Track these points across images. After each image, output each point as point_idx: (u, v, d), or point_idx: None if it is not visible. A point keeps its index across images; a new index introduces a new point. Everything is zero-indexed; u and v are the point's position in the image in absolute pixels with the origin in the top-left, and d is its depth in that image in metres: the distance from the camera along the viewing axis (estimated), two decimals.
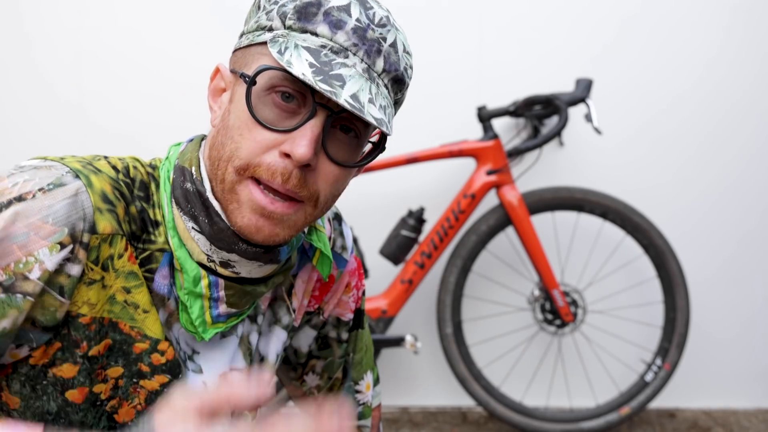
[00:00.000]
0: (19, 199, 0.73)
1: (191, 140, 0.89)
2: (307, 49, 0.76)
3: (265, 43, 0.79)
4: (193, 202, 0.82)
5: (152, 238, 0.83)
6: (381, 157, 2.30)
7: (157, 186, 0.85)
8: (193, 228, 0.82)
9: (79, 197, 0.75)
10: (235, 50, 0.84)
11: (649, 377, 2.37)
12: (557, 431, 2.35)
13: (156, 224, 0.83)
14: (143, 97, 2.45)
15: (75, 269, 0.75)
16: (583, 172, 2.52)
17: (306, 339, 1.06)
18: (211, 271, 0.84)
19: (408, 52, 0.83)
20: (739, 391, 2.64)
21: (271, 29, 0.79)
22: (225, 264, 0.83)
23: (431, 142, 2.41)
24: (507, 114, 2.31)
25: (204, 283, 0.83)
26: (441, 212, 2.45)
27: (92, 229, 0.76)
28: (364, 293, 1.09)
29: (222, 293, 0.84)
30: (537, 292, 2.39)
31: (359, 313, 1.08)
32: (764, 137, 2.56)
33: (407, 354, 2.56)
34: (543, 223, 2.50)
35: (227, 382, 0.58)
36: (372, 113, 0.76)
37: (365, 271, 2.32)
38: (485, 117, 2.31)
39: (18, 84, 2.44)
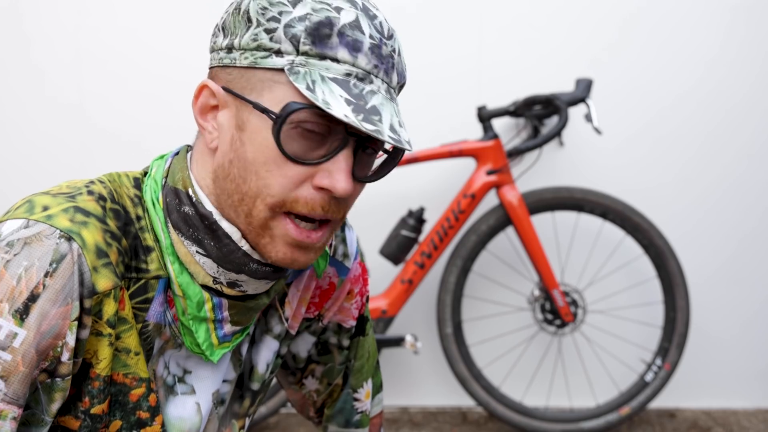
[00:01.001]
0: (33, 298, 0.71)
1: (176, 154, 0.85)
2: (335, 80, 0.74)
3: (279, 69, 0.75)
4: (195, 226, 0.80)
5: (145, 266, 0.80)
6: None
7: (144, 209, 0.82)
8: (197, 252, 0.80)
9: (78, 266, 0.73)
10: (228, 66, 0.79)
11: (649, 377, 2.37)
12: (557, 431, 2.35)
13: (147, 250, 0.81)
14: (143, 98, 2.45)
15: (83, 332, 0.75)
16: (583, 172, 2.52)
17: (305, 344, 1.05)
18: (214, 292, 0.82)
19: (401, 53, 0.83)
20: (739, 391, 2.64)
21: (280, 53, 0.75)
22: (232, 284, 0.82)
23: (431, 142, 2.41)
24: (507, 114, 2.31)
25: (208, 306, 0.82)
26: (441, 212, 2.45)
27: (92, 292, 0.74)
28: (368, 299, 1.07)
29: (226, 314, 0.83)
30: (537, 292, 2.39)
31: (362, 320, 1.06)
32: (765, 137, 2.56)
33: (407, 354, 2.56)
34: (543, 223, 2.50)
35: None
36: (403, 138, 0.76)
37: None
38: (485, 117, 2.31)
39: (18, 84, 2.44)
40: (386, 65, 0.77)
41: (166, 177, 0.83)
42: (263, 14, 0.76)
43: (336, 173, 0.75)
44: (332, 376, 1.07)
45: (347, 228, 1.04)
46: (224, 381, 0.91)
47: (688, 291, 2.36)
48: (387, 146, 0.74)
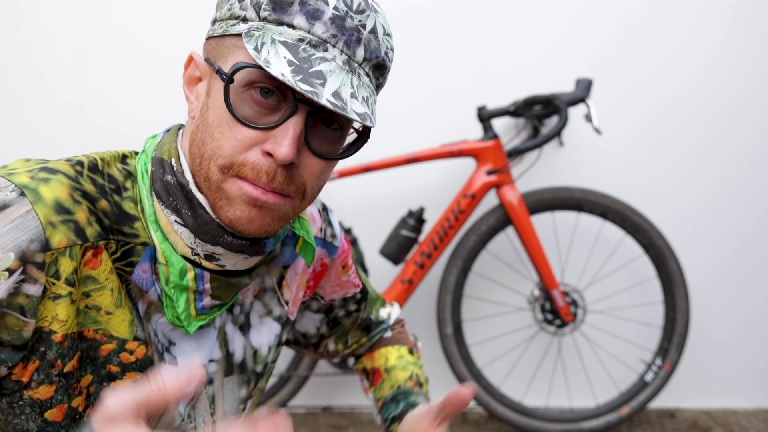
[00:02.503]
0: None
1: (168, 130, 0.87)
2: (285, 44, 0.74)
3: (240, 35, 0.77)
4: (174, 194, 0.81)
5: (131, 231, 0.81)
6: (381, 157, 2.30)
7: (134, 181, 0.83)
8: (176, 221, 0.81)
9: (25, 218, 0.71)
10: (209, 38, 0.82)
11: (649, 377, 2.37)
12: (557, 431, 2.36)
13: (132, 218, 0.81)
14: (143, 98, 2.45)
15: (33, 289, 0.73)
16: (583, 172, 2.52)
17: (311, 322, 1.10)
18: (195, 264, 0.83)
19: (388, 34, 0.81)
20: (739, 391, 2.64)
21: (245, 20, 0.77)
22: (210, 257, 0.82)
23: (431, 142, 2.41)
24: (507, 114, 2.31)
25: (190, 275, 0.82)
26: (441, 212, 2.45)
27: (45, 247, 0.72)
28: (355, 261, 1.13)
29: (207, 286, 0.84)
30: (537, 292, 2.39)
31: (363, 289, 1.13)
32: (765, 138, 2.56)
33: None
34: (543, 223, 2.50)
35: (156, 377, 0.56)
36: (355, 109, 0.74)
37: (365, 270, 2.32)
38: (485, 117, 2.31)
39: (17, 85, 2.44)
40: (348, 37, 0.76)
41: (156, 150, 0.85)
42: None
43: (281, 139, 0.75)
44: (345, 335, 1.14)
45: (329, 211, 1.06)
46: (211, 361, 0.91)
47: (688, 291, 2.36)
48: (356, 125, 0.73)
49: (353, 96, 0.75)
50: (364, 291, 1.13)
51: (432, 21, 2.47)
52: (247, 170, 0.76)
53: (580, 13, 2.49)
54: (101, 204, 0.78)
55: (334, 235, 1.05)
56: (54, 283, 0.74)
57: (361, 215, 2.45)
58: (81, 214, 0.76)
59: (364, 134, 0.83)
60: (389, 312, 1.19)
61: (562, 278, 2.53)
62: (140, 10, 2.43)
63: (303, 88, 0.71)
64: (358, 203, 2.47)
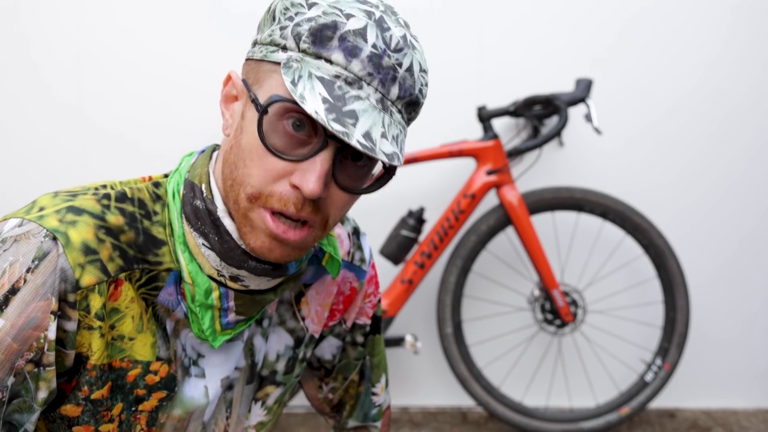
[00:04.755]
0: (13, 291, 0.76)
1: (203, 151, 0.90)
2: (321, 79, 0.75)
3: (278, 63, 0.78)
4: (203, 219, 0.84)
5: (155, 258, 0.84)
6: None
7: (163, 205, 0.87)
8: (203, 245, 0.84)
9: (59, 263, 0.77)
10: (248, 59, 0.83)
11: (649, 377, 2.37)
12: (557, 431, 2.36)
13: (159, 243, 0.85)
14: (142, 99, 2.45)
15: (69, 325, 0.79)
16: (583, 172, 2.52)
17: (330, 348, 1.09)
18: (220, 283, 0.86)
19: (424, 71, 0.82)
20: (739, 391, 2.64)
21: (285, 48, 0.78)
22: (234, 278, 0.85)
23: (431, 143, 2.41)
24: (507, 114, 2.31)
25: (215, 294, 0.86)
26: (441, 212, 2.45)
27: (75, 287, 0.78)
28: (380, 300, 1.11)
29: (232, 303, 0.87)
30: (537, 292, 2.39)
31: (376, 318, 1.11)
32: (766, 138, 2.56)
33: (407, 354, 2.56)
34: (543, 223, 2.50)
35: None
36: (384, 149, 0.75)
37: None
38: (485, 117, 2.31)
39: (17, 86, 2.44)
40: (383, 76, 0.77)
41: (190, 172, 0.88)
42: (284, 13, 0.79)
43: (309, 174, 0.76)
44: (348, 371, 1.11)
45: (361, 235, 1.06)
46: (235, 368, 0.95)
47: (688, 291, 2.36)
48: (383, 159, 0.75)
49: (383, 135, 0.76)
50: (375, 327, 1.11)
51: (432, 21, 2.47)
52: (274, 201, 0.78)
53: (581, 14, 2.49)
54: (126, 236, 0.83)
55: (363, 260, 1.06)
56: (86, 316, 0.80)
57: (362, 215, 2.45)
58: (104, 252, 0.81)
59: (390, 170, 0.84)
60: (384, 386, 1.16)
61: (562, 278, 2.53)
62: (140, 11, 2.43)
63: (335, 127, 0.72)
64: (359, 203, 2.47)
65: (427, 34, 2.47)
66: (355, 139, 0.73)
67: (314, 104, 0.73)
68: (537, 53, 2.49)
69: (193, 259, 0.85)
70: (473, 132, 2.46)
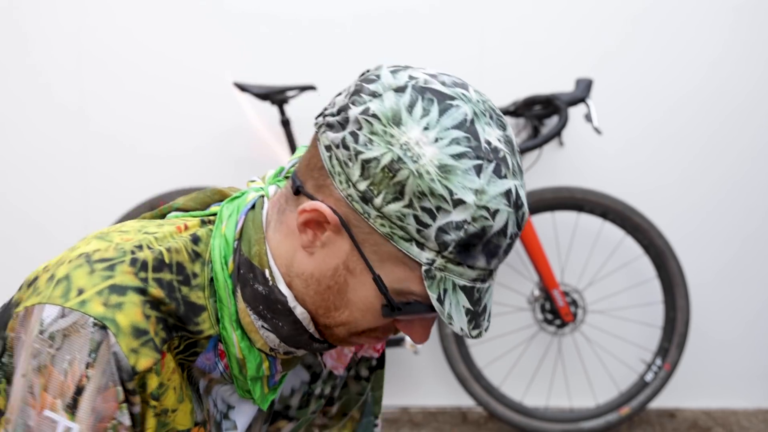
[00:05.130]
0: (79, 391, 0.74)
1: (251, 208, 0.83)
2: (464, 289, 0.74)
3: (414, 259, 0.73)
4: (270, 307, 0.81)
5: (195, 327, 0.81)
6: None
7: (203, 263, 0.81)
8: (263, 326, 0.81)
9: (112, 351, 0.74)
10: (355, 211, 0.74)
11: (649, 377, 2.37)
12: (557, 431, 2.36)
13: (199, 309, 0.81)
14: (143, 100, 2.45)
15: (135, 408, 0.77)
16: (584, 172, 2.52)
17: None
18: (269, 355, 0.86)
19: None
20: (739, 391, 2.64)
21: (422, 247, 0.72)
22: (287, 352, 0.85)
23: None
24: (507, 114, 2.31)
25: (265, 365, 0.84)
26: None
27: (132, 374, 0.75)
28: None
29: (280, 367, 0.87)
30: (537, 292, 2.39)
31: (383, 353, 1.10)
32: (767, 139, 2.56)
33: (407, 354, 2.56)
34: (543, 223, 2.50)
35: None
36: (484, 326, 0.79)
37: None
38: None
39: (18, 86, 2.45)
40: (504, 258, 0.78)
41: (239, 240, 0.81)
42: (420, 199, 0.70)
43: (420, 328, 0.79)
44: (349, 406, 1.06)
45: None
46: (259, 409, 0.94)
47: (688, 291, 2.35)
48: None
49: (489, 307, 0.79)
50: (381, 361, 1.08)
51: (433, 22, 2.47)
52: (374, 334, 0.82)
53: (583, 15, 2.49)
54: (167, 307, 0.78)
55: None
56: (145, 397, 0.78)
57: None
58: (152, 327, 0.77)
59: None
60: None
61: (562, 278, 2.53)
62: (141, 11, 2.43)
63: (473, 334, 0.75)
64: None
65: (428, 35, 2.47)
66: (483, 331, 0.77)
67: (460, 321, 0.74)
68: (538, 54, 2.49)
69: (245, 335, 0.82)
70: None
